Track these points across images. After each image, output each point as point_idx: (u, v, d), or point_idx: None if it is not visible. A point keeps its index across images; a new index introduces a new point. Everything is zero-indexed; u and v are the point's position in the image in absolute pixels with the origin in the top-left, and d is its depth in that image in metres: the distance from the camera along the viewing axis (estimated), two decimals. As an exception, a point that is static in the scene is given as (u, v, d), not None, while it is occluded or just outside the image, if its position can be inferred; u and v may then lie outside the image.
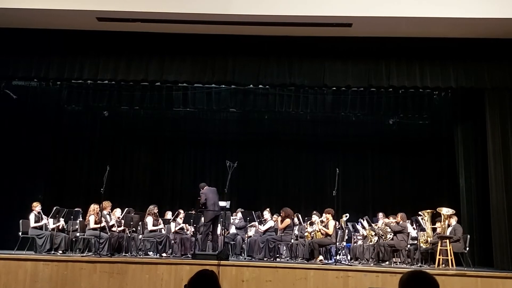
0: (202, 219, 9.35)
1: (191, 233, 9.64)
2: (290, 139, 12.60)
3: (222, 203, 9.17)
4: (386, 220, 9.54)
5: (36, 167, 11.36)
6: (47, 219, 9.23)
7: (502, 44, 8.75)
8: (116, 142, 12.63)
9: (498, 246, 8.65)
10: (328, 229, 9.10)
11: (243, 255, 9.60)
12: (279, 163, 12.71)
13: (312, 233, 9.50)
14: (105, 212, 9.18)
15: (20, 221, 9.05)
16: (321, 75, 9.00)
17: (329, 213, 9.18)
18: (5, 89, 10.64)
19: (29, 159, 11.05)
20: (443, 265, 8.56)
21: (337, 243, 9.18)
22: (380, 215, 9.95)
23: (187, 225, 9.80)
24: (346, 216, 10.10)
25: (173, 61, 9.13)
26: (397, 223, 9.11)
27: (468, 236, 9.09)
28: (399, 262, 9.03)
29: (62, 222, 9.26)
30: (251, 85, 10.07)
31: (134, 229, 9.43)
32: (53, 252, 8.74)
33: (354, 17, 8.17)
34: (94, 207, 9.14)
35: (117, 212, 9.77)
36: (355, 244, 9.95)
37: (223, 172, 9.38)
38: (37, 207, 9.18)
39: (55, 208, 9.11)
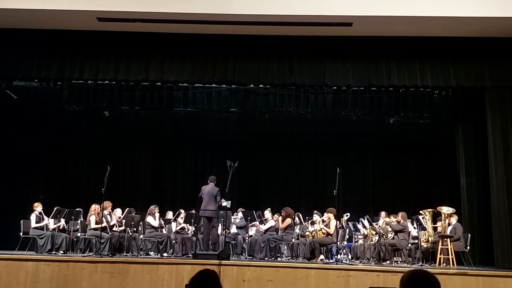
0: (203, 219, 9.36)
1: (192, 233, 9.64)
2: (291, 139, 12.61)
3: (223, 203, 9.15)
4: (387, 219, 9.53)
5: (36, 167, 11.38)
6: (48, 220, 9.23)
7: (502, 42, 8.74)
8: (116, 142, 12.63)
9: (499, 245, 8.65)
10: (329, 228, 9.10)
11: (244, 254, 9.59)
12: (279, 163, 12.71)
13: (313, 233, 9.50)
14: (105, 212, 9.18)
15: (21, 221, 9.04)
16: (321, 74, 8.99)
17: (331, 213, 9.17)
18: (6, 89, 10.65)
19: (30, 159, 11.07)
20: (444, 264, 8.57)
21: (338, 243, 9.17)
22: (383, 214, 9.94)
23: (188, 225, 9.80)
24: (347, 215, 10.11)
25: (173, 61, 9.12)
26: (398, 222, 9.10)
27: (469, 235, 9.10)
28: (400, 261, 9.04)
29: (63, 222, 9.26)
30: (252, 85, 10.06)
31: (135, 229, 9.44)
32: (54, 252, 8.74)
33: (354, 16, 8.17)
34: (95, 207, 9.16)
35: (118, 212, 9.79)
36: (356, 243, 9.95)
37: (224, 171, 9.37)
38: (38, 207, 9.17)
39: (56, 208, 9.10)
